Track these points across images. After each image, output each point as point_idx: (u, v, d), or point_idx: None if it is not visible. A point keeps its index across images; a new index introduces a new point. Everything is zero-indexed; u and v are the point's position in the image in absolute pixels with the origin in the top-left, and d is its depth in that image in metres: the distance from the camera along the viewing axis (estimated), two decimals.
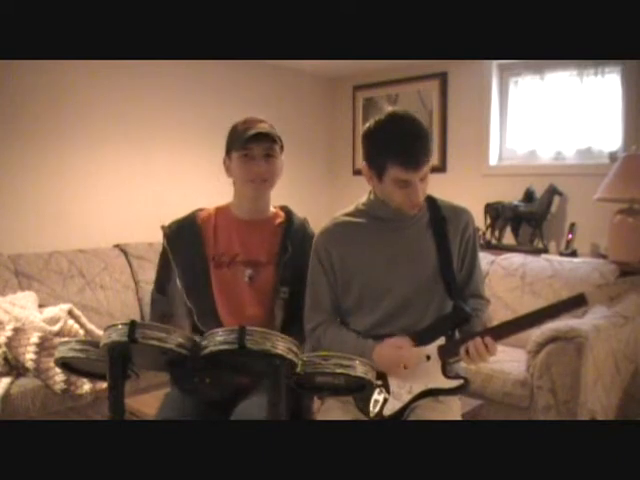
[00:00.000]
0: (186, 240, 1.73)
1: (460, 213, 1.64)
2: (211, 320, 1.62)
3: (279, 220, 1.78)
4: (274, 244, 1.73)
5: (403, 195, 1.52)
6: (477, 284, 1.69)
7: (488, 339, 1.47)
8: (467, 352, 1.49)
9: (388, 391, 1.53)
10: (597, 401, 2.45)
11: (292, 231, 1.75)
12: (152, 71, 3.53)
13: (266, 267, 1.70)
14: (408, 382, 1.53)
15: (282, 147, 1.72)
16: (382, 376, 1.53)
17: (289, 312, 1.68)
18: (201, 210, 1.80)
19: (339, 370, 1.16)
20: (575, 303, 1.47)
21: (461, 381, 1.52)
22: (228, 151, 1.72)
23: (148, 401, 1.90)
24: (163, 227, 1.77)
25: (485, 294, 1.72)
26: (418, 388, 1.52)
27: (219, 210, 1.79)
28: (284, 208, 1.83)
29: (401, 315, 1.59)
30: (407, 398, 1.52)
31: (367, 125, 1.56)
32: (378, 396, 1.53)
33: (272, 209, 1.80)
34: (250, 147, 1.65)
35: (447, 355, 1.53)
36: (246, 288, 1.69)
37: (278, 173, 1.72)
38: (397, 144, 1.48)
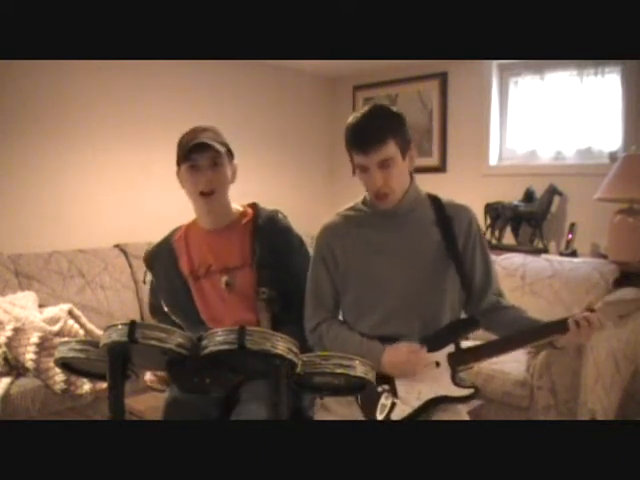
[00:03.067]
0: (163, 262, 1.78)
1: (462, 211, 1.63)
2: (200, 332, 1.59)
3: (246, 220, 1.74)
4: (245, 246, 1.70)
5: (367, 183, 1.54)
6: (497, 281, 1.64)
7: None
8: (577, 324, 1.41)
9: (396, 395, 1.50)
10: (597, 401, 2.44)
11: (259, 229, 1.71)
12: (152, 71, 3.53)
13: (241, 270, 1.68)
14: (416, 387, 1.50)
15: (231, 153, 1.70)
16: (389, 380, 1.51)
17: (275, 313, 1.65)
18: (177, 229, 1.83)
19: (339, 370, 1.16)
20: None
21: (472, 390, 1.49)
22: (178, 163, 1.72)
23: (148, 401, 1.90)
24: (145, 253, 1.84)
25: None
26: (427, 394, 1.49)
27: (189, 226, 1.81)
28: (252, 206, 1.79)
29: (403, 315, 1.56)
30: (416, 404, 1.48)
31: None
32: (385, 401, 1.50)
33: (239, 209, 1.77)
34: (194, 158, 1.64)
35: (457, 363, 1.51)
36: (225, 295, 1.69)
37: (227, 181, 1.69)
38: (351, 128, 1.52)
